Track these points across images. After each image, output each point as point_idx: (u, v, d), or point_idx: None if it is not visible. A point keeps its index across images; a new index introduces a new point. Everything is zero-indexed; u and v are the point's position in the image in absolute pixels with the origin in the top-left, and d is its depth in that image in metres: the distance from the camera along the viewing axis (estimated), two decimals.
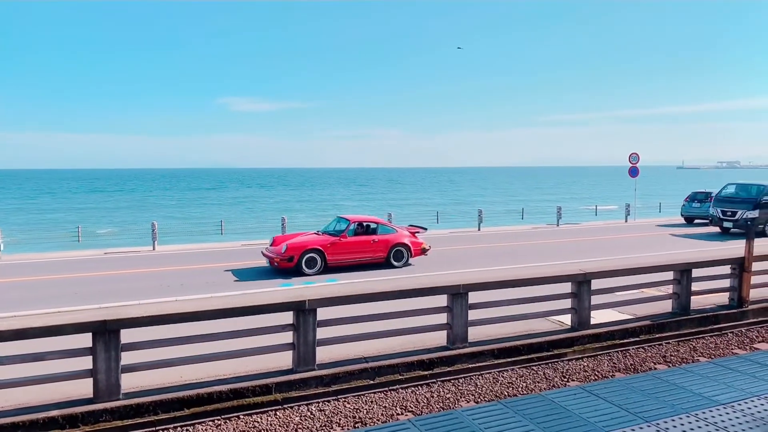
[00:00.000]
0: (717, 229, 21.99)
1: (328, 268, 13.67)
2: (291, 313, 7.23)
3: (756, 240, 17.09)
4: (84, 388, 6.37)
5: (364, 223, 14.67)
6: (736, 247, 16.37)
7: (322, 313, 7.39)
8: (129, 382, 6.57)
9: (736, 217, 20.91)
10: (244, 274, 13.64)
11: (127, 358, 6.51)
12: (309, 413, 6.74)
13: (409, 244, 14.69)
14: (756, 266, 10.42)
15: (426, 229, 16.82)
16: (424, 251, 14.99)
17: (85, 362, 6.35)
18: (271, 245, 14.44)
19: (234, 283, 12.52)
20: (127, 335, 6.51)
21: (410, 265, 14.70)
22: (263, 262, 14.46)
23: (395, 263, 14.47)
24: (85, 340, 6.33)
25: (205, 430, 6.37)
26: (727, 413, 4.71)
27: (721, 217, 21.41)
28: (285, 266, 13.37)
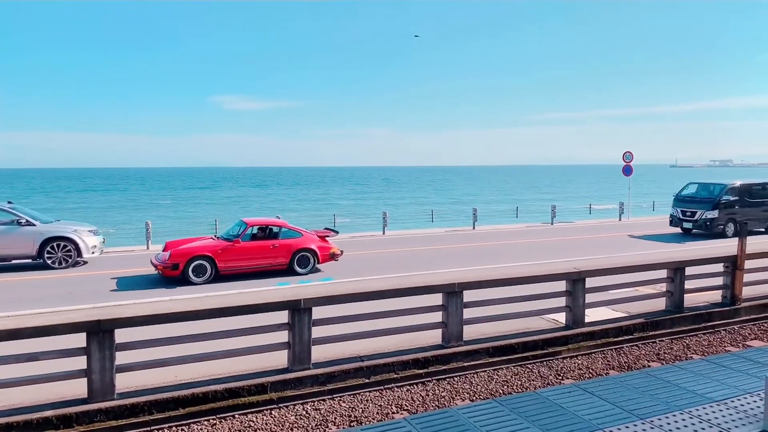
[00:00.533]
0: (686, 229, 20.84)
1: (220, 277, 12.72)
2: (286, 312, 7.23)
3: (718, 241, 16.67)
4: (78, 388, 6.35)
5: (264, 227, 13.83)
6: (687, 249, 16.48)
7: (318, 312, 7.39)
8: (124, 381, 6.55)
9: (696, 217, 20.28)
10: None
11: (121, 357, 6.49)
12: (304, 412, 6.74)
13: (316, 249, 13.63)
14: (748, 264, 10.49)
15: (337, 232, 16.18)
16: (333, 256, 13.95)
17: (80, 362, 6.33)
18: (163, 251, 13.36)
19: (231, 283, 12.49)
20: (121, 335, 6.49)
21: (319, 271, 13.75)
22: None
23: (299, 270, 13.40)
24: (80, 340, 6.31)
25: (201, 429, 6.36)
26: (721, 410, 4.75)
27: (681, 217, 20.83)
28: (170, 274, 12.38)
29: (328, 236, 14.73)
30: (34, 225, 14.19)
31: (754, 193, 20.94)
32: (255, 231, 13.69)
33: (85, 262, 14.86)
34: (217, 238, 13.91)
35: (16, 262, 14.28)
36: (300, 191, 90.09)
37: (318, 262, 13.82)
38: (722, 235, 19.81)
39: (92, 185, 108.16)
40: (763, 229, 20.96)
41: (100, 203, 63.75)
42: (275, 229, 13.84)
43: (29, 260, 14.19)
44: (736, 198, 20.51)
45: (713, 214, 19.90)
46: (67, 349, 6.32)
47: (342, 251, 14.55)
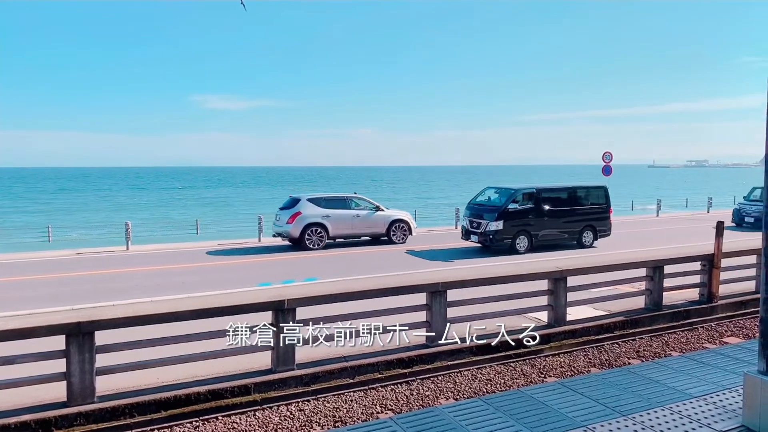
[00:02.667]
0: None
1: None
2: (270, 312, 7.18)
3: (503, 258, 15.11)
4: (58, 391, 6.24)
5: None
6: (451, 269, 13.71)
7: (301, 313, 7.35)
8: (104, 384, 6.44)
9: (481, 228, 16.59)
10: (222, 272, 13.49)
11: (102, 360, 6.39)
12: (288, 413, 6.71)
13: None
14: (725, 263, 10.70)
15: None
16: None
17: (59, 365, 6.21)
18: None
19: (210, 283, 12.38)
20: (102, 337, 6.39)
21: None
22: (244, 261, 14.31)
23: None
24: (59, 342, 6.19)
25: None
26: (701, 406, 4.84)
27: (469, 228, 17.22)
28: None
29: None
30: (384, 211, 18.61)
31: (554, 200, 17.30)
32: None
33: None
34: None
35: (365, 239, 18.67)
36: (291, 191, 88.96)
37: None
38: (513, 250, 16.20)
39: (68, 186, 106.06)
40: (574, 242, 17.56)
41: (76, 203, 62.62)
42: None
43: (378, 237, 18.56)
44: (531, 206, 16.78)
45: (497, 225, 16.11)
46: (46, 352, 6.21)
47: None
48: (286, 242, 17.92)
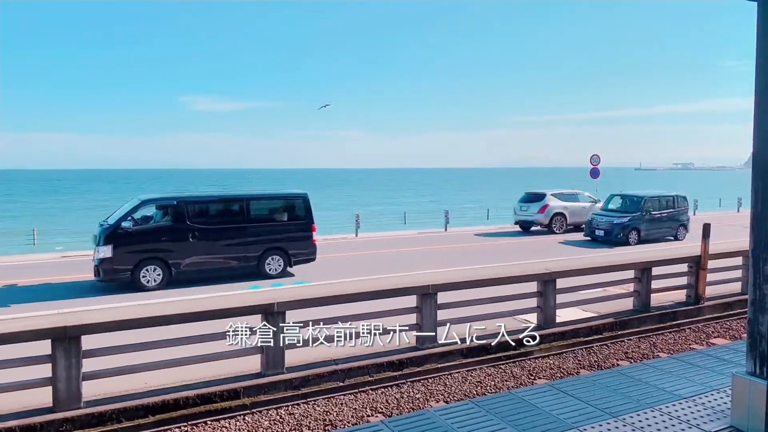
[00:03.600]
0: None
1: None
2: (259, 316, 7.13)
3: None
4: (43, 396, 6.14)
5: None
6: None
7: (291, 316, 7.31)
8: (91, 389, 6.36)
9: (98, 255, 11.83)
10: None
11: (88, 365, 6.31)
12: (278, 417, 6.67)
13: None
14: (711, 264, 10.81)
15: None
16: None
17: (45, 370, 6.12)
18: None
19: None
20: (88, 341, 6.31)
21: None
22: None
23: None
24: (45, 347, 6.10)
25: None
26: (690, 407, 4.87)
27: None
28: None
29: None
30: (600, 202, 21.43)
31: (213, 215, 12.95)
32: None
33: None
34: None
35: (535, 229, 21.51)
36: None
37: None
38: (139, 287, 11.64)
39: (53, 188, 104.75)
40: (254, 271, 12.90)
41: (60, 206, 61.90)
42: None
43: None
44: (167, 224, 12.25)
45: (106, 251, 11.47)
46: (31, 357, 6.12)
47: None
48: (516, 228, 21.99)
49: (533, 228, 21.78)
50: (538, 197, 21.82)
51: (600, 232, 19.14)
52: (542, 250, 17.31)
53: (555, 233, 20.92)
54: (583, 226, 20.36)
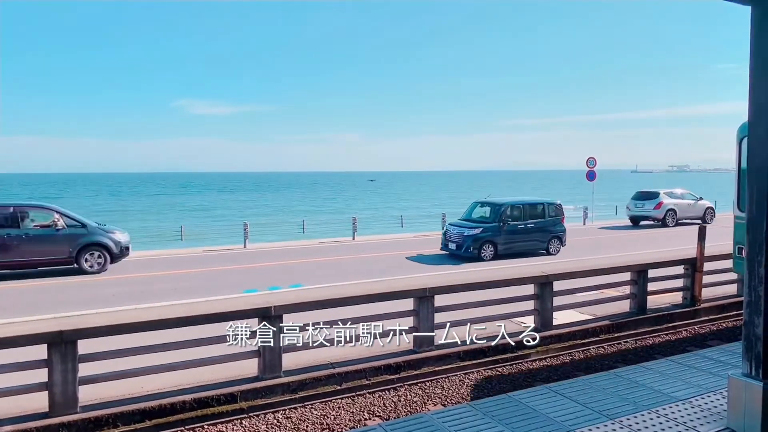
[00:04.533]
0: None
1: None
2: (256, 319, 7.12)
3: None
4: (39, 401, 6.12)
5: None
6: None
7: (288, 319, 7.30)
8: (87, 394, 6.34)
9: None
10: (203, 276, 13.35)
11: (85, 369, 6.28)
12: (275, 421, 6.66)
13: None
14: (707, 266, 10.84)
15: None
16: None
17: (41, 375, 6.10)
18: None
19: (189, 292, 12.27)
20: (85, 346, 6.29)
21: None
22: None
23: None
24: (41, 351, 6.08)
25: None
26: (686, 409, 4.88)
27: None
28: None
29: None
30: (702, 200, 25.56)
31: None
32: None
33: None
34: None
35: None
36: (282, 196, 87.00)
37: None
38: None
39: (45, 192, 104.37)
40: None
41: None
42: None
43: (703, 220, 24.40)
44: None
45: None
46: (27, 362, 6.10)
47: None
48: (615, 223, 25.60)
49: (643, 222, 25.14)
50: (652, 195, 25.00)
51: (452, 245, 16.46)
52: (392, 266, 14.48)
53: (669, 226, 24.11)
54: (685, 220, 23.95)
